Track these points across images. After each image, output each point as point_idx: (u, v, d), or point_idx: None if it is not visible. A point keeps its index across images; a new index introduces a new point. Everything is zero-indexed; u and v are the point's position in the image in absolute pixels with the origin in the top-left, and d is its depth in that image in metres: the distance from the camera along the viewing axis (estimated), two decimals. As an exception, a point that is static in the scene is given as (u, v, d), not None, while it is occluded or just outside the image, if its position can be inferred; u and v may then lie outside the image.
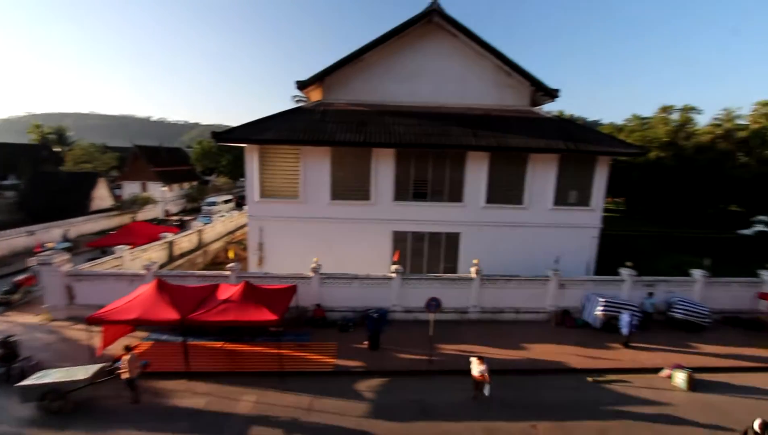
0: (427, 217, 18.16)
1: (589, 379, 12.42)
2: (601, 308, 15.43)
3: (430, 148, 17.25)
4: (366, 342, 13.94)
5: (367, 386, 11.71)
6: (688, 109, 49.59)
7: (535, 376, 12.46)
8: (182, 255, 23.08)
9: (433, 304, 13.06)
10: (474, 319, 16.30)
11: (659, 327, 16.14)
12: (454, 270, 18.49)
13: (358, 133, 17.20)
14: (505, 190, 18.31)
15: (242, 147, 17.76)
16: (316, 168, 17.69)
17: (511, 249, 18.44)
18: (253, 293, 12.37)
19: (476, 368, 10.83)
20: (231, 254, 19.35)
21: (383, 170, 17.81)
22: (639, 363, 13.29)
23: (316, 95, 20.39)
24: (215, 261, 25.34)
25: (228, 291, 12.78)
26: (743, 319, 17.03)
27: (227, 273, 15.61)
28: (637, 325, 14.74)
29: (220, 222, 30.22)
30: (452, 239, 18.45)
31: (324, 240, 18.00)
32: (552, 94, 19.42)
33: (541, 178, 18.27)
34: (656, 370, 12.92)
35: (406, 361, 12.95)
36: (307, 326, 15.28)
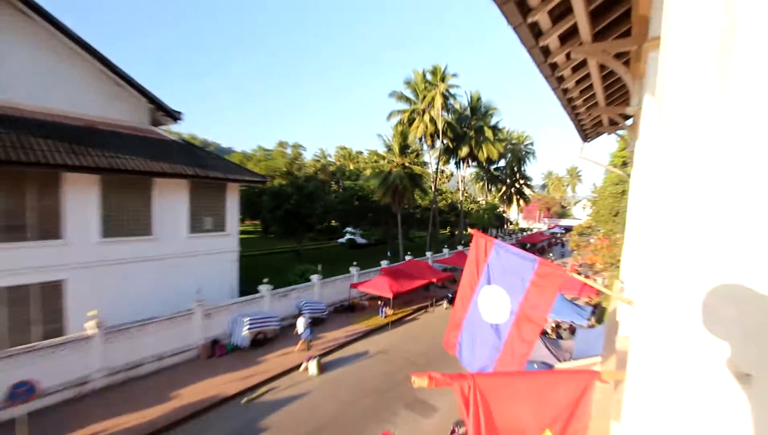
0: (-2, 266, 12.47)
1: (243, 401, 12.29)
2: (247, 327, 15.87)
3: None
4: None
5: None
6: (297, 146, 63.07)
7: (188, 424, 11.01)
8: None
9: (23, 391, 9.02)
10: (102, 387, 12.62)
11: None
12: (60, 331, 13.67)
13: None
14: (128, 219, 15.53)
15: None
16: None
17: (145, 288, 15.82)
18: None
19: None
20: None
21: None
22: (283, 366, 14.54)
23: None
24: None
25: None
26: (345, 305, 22.44)
27: None
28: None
29: None
30: (52, 290, 13.61)
31: None
32: (174, 116, 18.45)
33: (172, 205, 16.82)
34: (298, 367, 14.58)
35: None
36: None
